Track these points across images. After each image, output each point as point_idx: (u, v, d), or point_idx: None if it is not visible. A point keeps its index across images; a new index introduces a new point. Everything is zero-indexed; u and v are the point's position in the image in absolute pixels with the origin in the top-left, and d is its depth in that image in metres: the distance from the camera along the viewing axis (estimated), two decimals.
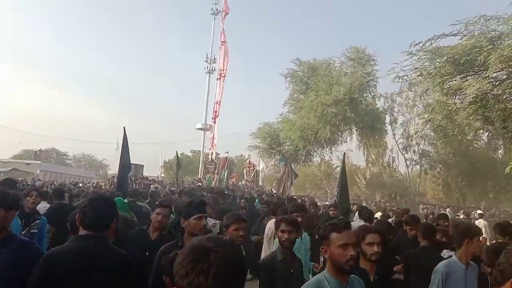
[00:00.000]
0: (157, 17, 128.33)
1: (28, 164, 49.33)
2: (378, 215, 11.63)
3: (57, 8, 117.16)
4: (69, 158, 76.80)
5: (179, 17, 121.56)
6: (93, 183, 27.18)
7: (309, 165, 32.39)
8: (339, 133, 25.85)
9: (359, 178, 38.22)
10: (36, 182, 21.61)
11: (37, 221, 4.56)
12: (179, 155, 25.65)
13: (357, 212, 8.23)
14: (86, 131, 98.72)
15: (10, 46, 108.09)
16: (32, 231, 4.21)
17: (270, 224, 5.50)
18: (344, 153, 11.63)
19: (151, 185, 19.15)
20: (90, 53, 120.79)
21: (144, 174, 30.81)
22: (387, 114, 33.44)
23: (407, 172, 40.23)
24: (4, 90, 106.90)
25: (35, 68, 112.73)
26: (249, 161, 32.17)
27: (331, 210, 8.17)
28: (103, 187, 19.92)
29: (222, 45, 34.36)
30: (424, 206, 27.97)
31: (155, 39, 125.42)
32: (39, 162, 52.31)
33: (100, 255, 2.24)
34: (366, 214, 6.80)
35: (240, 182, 32.81)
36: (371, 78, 25.63)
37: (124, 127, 9.17)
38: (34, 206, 4.57)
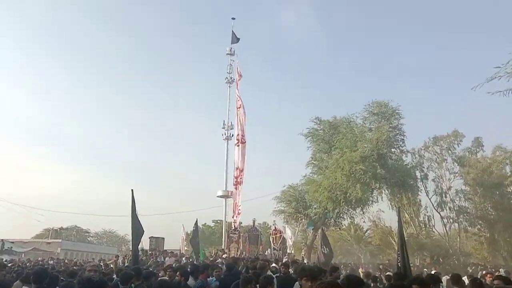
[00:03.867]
0: (172, 87, 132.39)
1: (49, 243, 48.51)
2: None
3: (73, 92, 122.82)
4: (91, 235, 76.14)
5: (194, 87, 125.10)
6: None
7: (339, 228, 30.26)
8: (370, 191, 24.14)
9: (395, 241, 35.45)
10: (50, 261, 20.34)
11: None
12: (200, 226, 24.35)
13: None
14: (108, 208, 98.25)
15: (34, 128, 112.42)
16: None
17: None
18: (399, 207, 10.04)
19: (167, 258, 17.63)
20: (108, 131, 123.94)
21: (165, 248, 29.49)
22: (417, 170, 31.73)
23: (444, 231, 37.45)
24: (29, 171, 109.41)
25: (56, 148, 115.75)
26: (275, 227, 30.29)
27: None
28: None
29: (238, 110, 34.15)
30: (473, 268, 25.19)
31: (170, 111, 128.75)
32: (60, 240, 51.43)
33: None
34: None
35: (266, 251, 30.70)
36: (397, 132, 24.46)
37: (132, 190, 7.95)
38: None
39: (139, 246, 8.76)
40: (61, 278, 7.87)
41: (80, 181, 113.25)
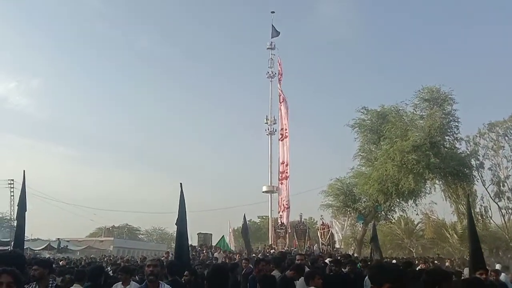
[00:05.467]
0: (213, 84, 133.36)
1: (102, 241, 50.38)
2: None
3: (113, 94, 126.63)
4: (142, 232, 78.42)
5: (237, 81, 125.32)
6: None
7: (391, 222, 29.23)
8: (423, 182, 23.04)
9: (449, 234, 33.89)
10: (104, 258, 20.94)
11: None
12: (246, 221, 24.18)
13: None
14: (157, 206, 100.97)
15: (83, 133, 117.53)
16: None
17: None
18: (468, 194, 9.32)
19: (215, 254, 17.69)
20: (153, 134, 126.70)
21: (213, 244, 29.65)
22: (472, 158, 30.04)
23: (503, 222, 35.35)
24: (82, 174, 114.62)
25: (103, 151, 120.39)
26: (323, 222, 29.72)
27: (480, 274, 5.93)
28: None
29: (281, 104, 33.85)
30: None
31: (213, 108, 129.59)
32: (112, 239, 53.28)
33: None
34: None
35: (314, 246, 30.23)
36: (451, 118, 23.21)
37: (181, 184, 7.79)
38: None
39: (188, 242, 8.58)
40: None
41: (130, 181, 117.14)
